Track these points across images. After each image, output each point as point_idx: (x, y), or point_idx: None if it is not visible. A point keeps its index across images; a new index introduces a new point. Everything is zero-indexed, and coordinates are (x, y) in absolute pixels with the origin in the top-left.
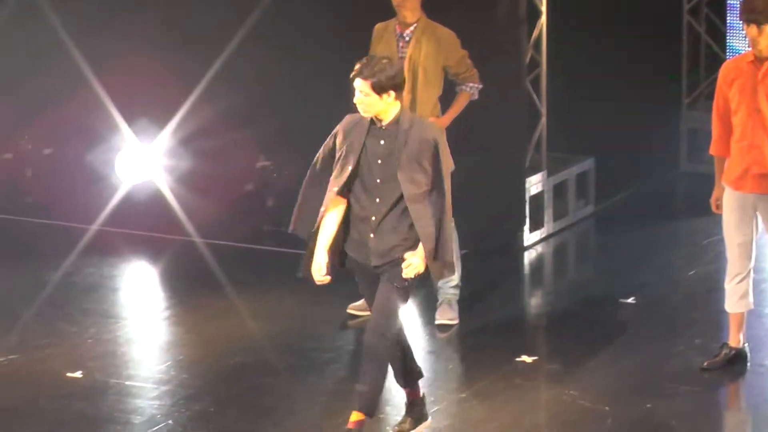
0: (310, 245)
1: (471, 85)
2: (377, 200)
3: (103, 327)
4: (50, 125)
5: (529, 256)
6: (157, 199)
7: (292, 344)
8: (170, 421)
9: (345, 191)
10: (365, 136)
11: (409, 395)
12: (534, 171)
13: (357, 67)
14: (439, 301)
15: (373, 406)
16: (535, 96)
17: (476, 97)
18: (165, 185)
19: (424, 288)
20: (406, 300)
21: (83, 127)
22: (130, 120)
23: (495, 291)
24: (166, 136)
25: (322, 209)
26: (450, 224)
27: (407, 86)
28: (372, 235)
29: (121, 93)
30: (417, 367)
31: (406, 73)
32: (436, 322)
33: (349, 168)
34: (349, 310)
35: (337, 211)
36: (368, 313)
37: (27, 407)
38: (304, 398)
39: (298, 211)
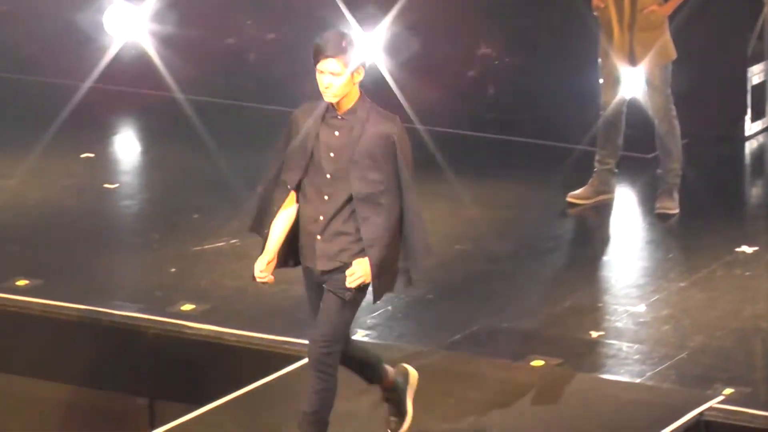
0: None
1: None
2: (325, 198)
3: None
4: (274, 10)
5: (750, 146)
6: (379, 84)
7: (513, 232)
8: (389, 308)
9: (298, 187)
10: (319, 124)
11: (381, 388)
12: (756, 60)
13: (319, 47)
14: (660, 190)
15: (319, 427)
16: None
17: None
18: (386, 71)
19: (644, 176)
20: (353, 311)
21: (307, 12)
22: (353, 6)
23: (716, 180)
24: (387, 22)
25: (275, 207)
26: (671, 118)
27: None
28: (319, 237)
29: None
30: (373, 358)
31: None
32: (656, 211)
33: (303, 162)
34: (568, 198)
35: (291, 208)
36: (588, 201)
37: (248, 289)
38: (524, 286)
39: (257, 210)
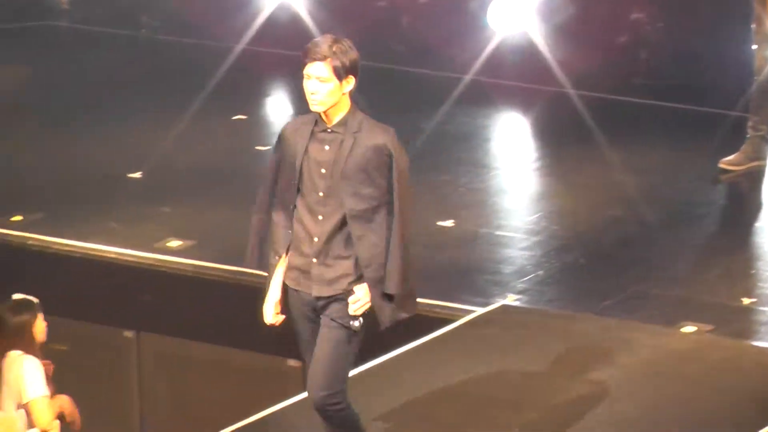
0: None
1: None
2: (319, 218)
3: (475, 176)
4: None
5: None
6: (531, 49)
7: (664, 197)
8: (540, 272)
9: (293, 208)
10: (308, 139)
11: None
12: None
13: (308, 49)
14: None
15: None
16: None
17: None
18: (538, 36)
19: None
20: (356, 344)
21: None
22: None
23: None
24: None
25: (281, 230)
26: None
27: None
28: (314, 260)
29: None
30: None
31: None
32: None
33: (294, 181)
34: (720, 165)
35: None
36: (740, 167)
37: None
38: (675, 251)
39: (252, 242)
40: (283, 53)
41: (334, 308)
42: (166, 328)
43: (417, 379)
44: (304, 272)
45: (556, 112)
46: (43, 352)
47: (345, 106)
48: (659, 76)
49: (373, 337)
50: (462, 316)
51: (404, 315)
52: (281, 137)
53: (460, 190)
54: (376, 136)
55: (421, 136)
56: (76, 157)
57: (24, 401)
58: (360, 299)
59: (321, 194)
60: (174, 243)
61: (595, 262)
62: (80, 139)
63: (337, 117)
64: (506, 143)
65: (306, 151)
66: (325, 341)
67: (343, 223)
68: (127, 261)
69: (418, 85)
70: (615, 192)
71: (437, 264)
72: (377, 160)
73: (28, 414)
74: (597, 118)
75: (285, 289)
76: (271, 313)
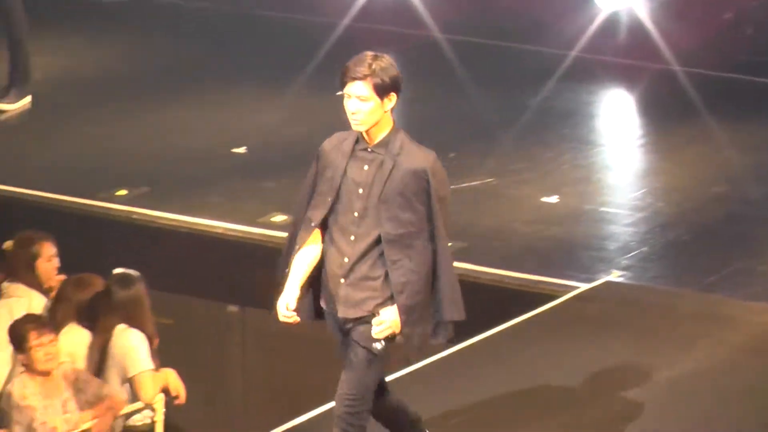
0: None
1: None
2: (351, 238)
3: (580, 153)
4: None
5: None
6: (637, 26)
7: None
8: (645, 249)
9: (324, 225)
10: (348, 158)
11: None
12: None
13: (347, 68)
14: None
15: None
16: None
17: None
18: (644, 12)
19: None
20: (380, 365)
21: None
22: None
23: None
24: None
25: (296, 245)
26: None
27: None
28: (343, 281)
29: None
30: (414, 416)
31: None
32: None
33: (329, 199)
34: None
35: (314, 246)
36: None
37: (502, 229)
38: None
39: (283, 255)
40: (387, 29)
41: (359, 330)
42: (271, 302)
43: (520, 355)
44: (333, 293)
45: (661, 89)
46: (153, 326)
47: (387, 124)
48: (765, 52)
49: (479, 312)
50: (566, 292)
51: (442, 340)
52: (320, 154)
53: (564, 167)
54: (416, 161)
55: (526, 113)
56: (181, 132)
57: (129, 375)
58: (384, 321)
59: (356, 215)
60: (278, 218)
61: (700, 238)
62: (185, 114)
63: (379, 136)
64: (611, 120)
65: (345, 170)
66: (351, 361)
67: (374, 245)
68: (231, 236)
69: (523, 61)
70: (720, 169)
71: (541, 240)
72: (415, 185)
73: (133, 388)
74: (702, 95)
75: (309, 292)
76: (284, 310)
